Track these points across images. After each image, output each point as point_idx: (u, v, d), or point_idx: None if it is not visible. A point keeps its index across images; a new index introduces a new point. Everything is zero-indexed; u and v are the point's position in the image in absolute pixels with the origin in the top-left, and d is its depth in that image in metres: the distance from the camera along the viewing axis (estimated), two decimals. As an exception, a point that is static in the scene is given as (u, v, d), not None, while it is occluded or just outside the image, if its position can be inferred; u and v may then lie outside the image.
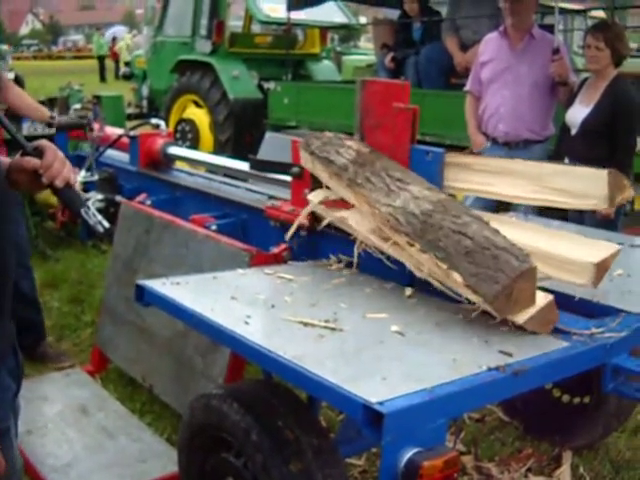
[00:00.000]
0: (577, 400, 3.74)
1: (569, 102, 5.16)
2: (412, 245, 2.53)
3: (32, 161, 1.99)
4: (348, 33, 31.52)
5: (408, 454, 1.84)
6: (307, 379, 2.00)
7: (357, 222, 2.87)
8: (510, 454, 3.73)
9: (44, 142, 2.04)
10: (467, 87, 5.79)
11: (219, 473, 2.64)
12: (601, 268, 2.61)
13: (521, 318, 2.43)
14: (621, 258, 3.20)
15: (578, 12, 10.32)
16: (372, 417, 1.80)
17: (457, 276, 2.40)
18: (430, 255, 2.47)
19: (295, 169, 3.48)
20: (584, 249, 2.68)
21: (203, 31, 10.46)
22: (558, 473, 3.58)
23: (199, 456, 2.73)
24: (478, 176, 3.02)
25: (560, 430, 3.78)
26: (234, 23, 12.59)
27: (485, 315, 2.54)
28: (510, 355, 2.20)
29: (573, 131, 5.06)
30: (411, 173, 2.88)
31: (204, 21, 10.46)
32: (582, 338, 2.46)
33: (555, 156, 5.23)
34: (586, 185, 2.75)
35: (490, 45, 5.61)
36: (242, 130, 9.56)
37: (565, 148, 5.12)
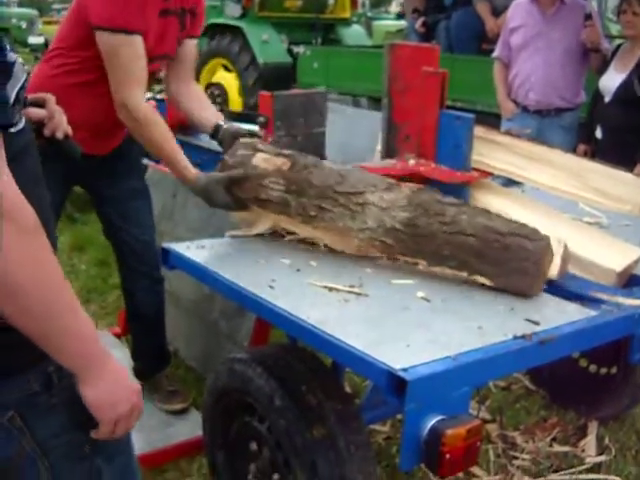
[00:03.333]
0: (604, 370, 3.70)
1: (603, 69, 5.08)
2: (416, 264, 2.49)
3: (37, 112, 1.97)
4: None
5: (431, 422, 1.82)
6: (330, 344, 1.98)
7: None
8: (535, 423, 3.71)
9: (43, 94, 2.02)
10: (496, 53, 5.70)
11: (243, 437, 2.64)
12: (624, 274, 2.66)
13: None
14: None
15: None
16: (396, 384, 1.78)
17: (484, 279, 2.39)
18: (442, 267, 2.44)
19: (261, 118, 3.65)
20: (609, 252, 2.72)
21: (233, -6, 10.40)
22: (583, 443, 3.56)
23: (223, 420, 2.73)
24: (513, 157, 3.01)
25: (586, 400, 3.75)
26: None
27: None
28: (537, 323, 2.17)
29: (607, 99, 4.98)
30: (353, 173, 2.64)
31: (257, -16, 10.37)
32: (610, 307, 2.43)
33: (588, 124, 5.16)
34: (624, 190, 2.81)
35: (520, 10, 5.51)
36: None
37: (598, 116, 5.06)
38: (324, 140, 3.90)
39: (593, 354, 3.62)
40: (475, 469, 3.27)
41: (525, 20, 5.42)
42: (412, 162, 3.03)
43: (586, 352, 3.59)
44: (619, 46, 5.13)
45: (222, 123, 3.07)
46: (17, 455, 1.48)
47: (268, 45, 9.84)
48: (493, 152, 3.01)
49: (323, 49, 9.01)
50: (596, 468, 3.38)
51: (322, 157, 3.82)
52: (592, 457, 3.45)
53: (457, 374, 1.88)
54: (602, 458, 3.44)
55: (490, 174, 3.08)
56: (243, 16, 10.16)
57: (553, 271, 2.48)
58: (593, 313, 2.35)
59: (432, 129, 2.98)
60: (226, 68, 10.30)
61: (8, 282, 1.26)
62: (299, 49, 9.07)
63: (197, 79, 10.27)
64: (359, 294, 2.30)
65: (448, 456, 1.79)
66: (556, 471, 3.34)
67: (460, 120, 2.95)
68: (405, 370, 1.79)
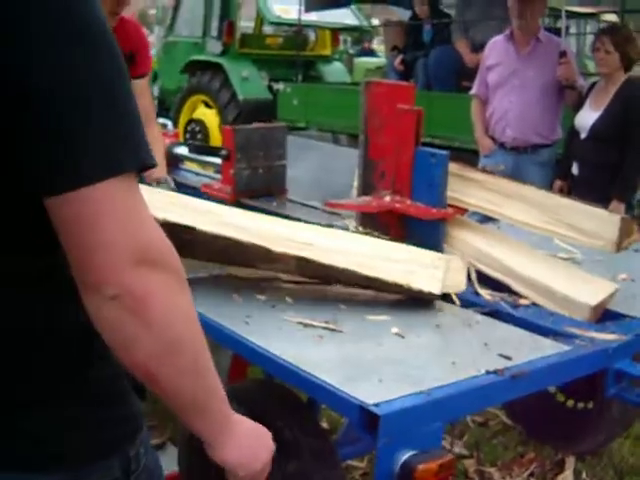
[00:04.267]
0: (581, 405, 3.71)
1: (578, 106, 5.15)
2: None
3: None
4: (361, 35, 31.47)
5: (404, 457, 1.83)
6: (304, 380, 1.99)
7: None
8: (512, 458, 3.72)
9: None
10: (473, 91, 5.77)
11: (220, 472, 2.63)
12: (598, 308, 2.70)
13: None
14: (626, 262, 3.23)
15: (588, 16, 10.30)
16: (368, 419, 1.79)
17: None
18: None
19: (223, 152, 3.86)
20: (583, 287, 2.77)
21: (214, 32, 10.53)
22: (561, 478, 3.57)
23: (200, 455, 2.72)
24: (488, 194, 3.06)
25: (563, 435, 3.76)
26: (246, 24, 12.62)
27: (486, 318, 2.57)
28: (509, 358, 2.19)
29: (582, 135, 5.05)
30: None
31: (215, 22, 10.52)
32: (584, 342, 2.46)
33: (564, 160, 5.23)
34: (598, 226, 2.86)
35: (496, 49, 5.60)
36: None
37: (574, 152, 5.12)
38: (285, 173, 4.03)
39: (570, 389, 3.64)
40: (452, 504, 3.28)
41: (501, 58, 5.50)
42: (388, 199, 3.06)
43: (563, 387, 3.62)
44: (594, 84, 5.21)
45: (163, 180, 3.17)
46: None
47: (248, 82, 9.93)
48: (467, 189, 3.04)
49: (303, 86, 9.08)
50: (573, 503, 3.40)
51: (283, 190, 4.02)
52: (569, 492, 3.47)
53: (429, 409, 1.89)
54: (579, 493, 3.47)
55: (465, 210, 3.12)
56: (224, 53, 10.27)
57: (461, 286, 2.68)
58: (566, 348, 2.37)
59: (408, 166, 3.01)
60: (207, 104, 10.38)
61: (167, 336, 1.16)
62: (279, 86, 9.14)
63: (178, 115, 10.44)
64: (334, 330, 2.31)
65: (420, 491, 1.80)
66: (533, 506, 3.35)
67: (435, 157, 2.98)
68: (377, 405, 1.80)
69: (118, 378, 1.29)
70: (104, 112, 1.05)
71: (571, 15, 11.57)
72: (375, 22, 19.85)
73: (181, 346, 1.18)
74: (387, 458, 1.84)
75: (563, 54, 5.28)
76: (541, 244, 3.19)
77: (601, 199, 4.77)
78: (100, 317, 1.12)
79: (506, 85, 5.42)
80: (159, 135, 3.80)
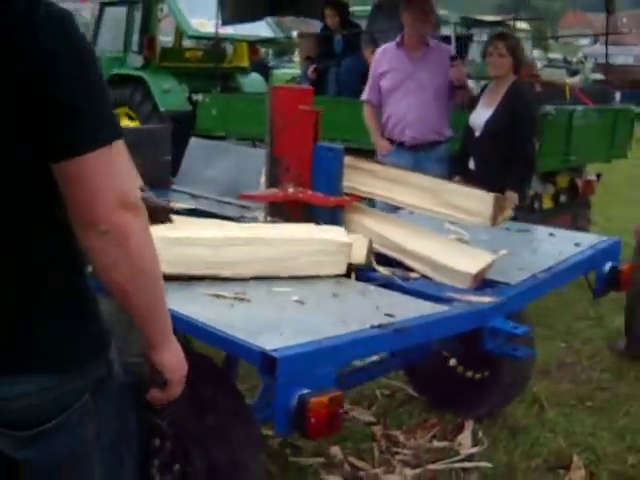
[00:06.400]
0: (478, 375, 4.11)
1: (471, 106, 5.57)
2: None
3: None
4: (282, 48, 31.79)
5: (299, 393, 2.19)
6: (217, 336, 2.35)
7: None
8: (417, 424, 4.11)
9: None
10: (364, 97, 6.04)
11: (146, 434, 2.94)
12: (478, 276, 3.09)
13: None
14: (507, 240, 3.65)
15: (497, 24, 10.83)
16: (268, 362, 2.15)
17: None
18: None
19: None
20: (465, 259, 3.17)
21: (135, 46, 10.69)
22: (460, 438, 3.96)
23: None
24: (382, 183, 3.43)
25: (463, 402, 4.17)
26: (166, 38, 12.83)
27: (379, 288, 2.95)
28: (393, 316, 2.57)
29: (477, 133, 5.44)
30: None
31: (135, 36, 10.70)
32: (461, 304, 2.86)
33: (460, 157, 5.61)
34: (475, 204, 3.23)
35: (387, 55, 5.88)
36: (173, 141, 9.77)
37: (470, 149, 5.50)
38: (169, 167, 4.76)
39: (468, 361, 4.05)
40: (360, 463, 3.65)
41: (393, 64, 5.82)
42: (291, 190, 3.41)
43: (462, 360, 4.02)
44: (486, 85, 5.65)
45: None
46: (90, 437, 1.81)
47: (169, 94, 10.16)
48: (362, 178, 3.42)
49: (221, 96, 9.29)
50: (470, 458, 3.79)
51: (168, 182, 4.64)
52: (467, 449, 3.86)
53: (321, 355, 2.26)
54: (476, 450, 3.86)
55: (361, 198, 3.50)
56: (145, 67, 10.47)
57: (361, 258, 3.07)
58: (445, 308, 2.78)
59: (308, 160, 3.38)
60: (129, 117, 10.57)
61: (139, 262, 1.63)
62: (198, 97, 9.36)
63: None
64: (242, 299, 2.67)
65: (313, 420, 2.15)
66: (434, 462, 3.73)
67: (331, 152, 3.35)
68: (275, 350, 2.16)
69: (97, 301, 1.81)
70: (96, 105, 1.58)
71: (478, 24, 12.17)
72: (295, 34, 20.24)
73: (147, 269, 1.67)
74: (285, 396, 2.19)
75: (454, 58, 5.72)
76: (434, 227, 3.58)
77: (497, 190, 5.21)
78: (92, 247, 1.61)
79: (401, 89, 5.75)
80: None
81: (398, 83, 5.77)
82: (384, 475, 3.57)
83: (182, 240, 2.83)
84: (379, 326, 2.46)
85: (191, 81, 10.54)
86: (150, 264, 1.68)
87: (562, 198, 7.19)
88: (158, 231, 2.52)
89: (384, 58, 5.90)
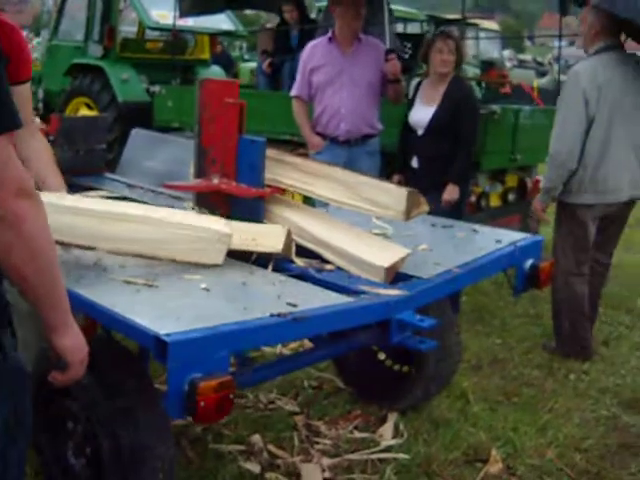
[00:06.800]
0: (405, 369, 4.20)
1: (409, 104, 5.67)
2: None
3: None
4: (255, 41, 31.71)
5: (190, 378, 2.25)
6: (116, 320, 2.41)
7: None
8: (340, 415, 4.17)
9: None
10: (294, 93, 6.01)
11: (61, 418, 3.00)
12: (391, 270, 3.15)
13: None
14: (429, 236, 3.72)
15: (449, 22, 10.90)
16: (160, 346, 2.21)
17: None
18: None
19: (50, 137, 4.33)
20: (380, 252, 3.23)
21: (95, 36, 10.69)
22: (381, 430, 4.03)
23: (44, 404, 3.07)
24: (302, 176, 3.50)
25: (388, 394, 4.24)
26: (129, 29, 12.82)
27: (290, 279, 3.01)
28: (295, 306, 2.63)
29: (420, 132, 5.51)
30: None
31: (96, 26, 10.70)
32: (369, 296, 2.92)
33: (399, 155, 5.68)
34: (389, 199, 3.28)
35: (318, 51, 5.90)
36: (130, 132, 9.80)
37: (413, 148, 5.57)
38: (104, 155, 4.88)
39: (397, 355, 4.12)
40: (279, 452, 3.71)
41: (326, 59, 5.83)
42: (216, 181, 3.47)
43: (391, 354, 4.09)
44: (420, 82, 5.76)
45: None
46: None
47: (128, 84, 10.17)
48: (284, 171, 3.48)
49: (177, 88, 9.31)
50: (389, 449, 3.86)
51: (102, 169, 4.78)
52: (387, 441, 3.93)
53: (215, 340, 2.31)
54: (395, 441, 3.93)
55: (282, 190, 3.56)
56: (105, 57, 10.48)
57: (278, 247, 3.15)
58: (350, 300, 2.84)
59: (233, 152, 3.43)
60: (88, 106, 10.57)
61: (33, 245, 1.70)
62: (155, 88, 9.38)
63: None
64: (151, 285, 2.72)
65: (203, 404, 2.21)
66: (353, 452, 3.80)
67: (254, 144, 3.41)
68: (168, 335, 2.22)
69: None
70: None
71: (446, 22, 12.23)
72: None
73: (42, 253, 1.74)
74: (178, 379, 2.25)
75: (390, 52, 5.78)
76: (361, 222, 3.65)
77: (440, 186, 5.32)
78: None
79: (335, 83, 5.78)
80: (46, 144, 3.60)
81: (332, 77, 5.79)
82: (301, 464, 3.63)
83: (69, 209, 2.93)
84: (278, 315, 2.52)
85: (151, 72, 10.55)
86: (46, 248, 1.76)
87: (511, 197, 7.29)
88: (48, 198, 2.59)
89: (315, 53, 5.91)
